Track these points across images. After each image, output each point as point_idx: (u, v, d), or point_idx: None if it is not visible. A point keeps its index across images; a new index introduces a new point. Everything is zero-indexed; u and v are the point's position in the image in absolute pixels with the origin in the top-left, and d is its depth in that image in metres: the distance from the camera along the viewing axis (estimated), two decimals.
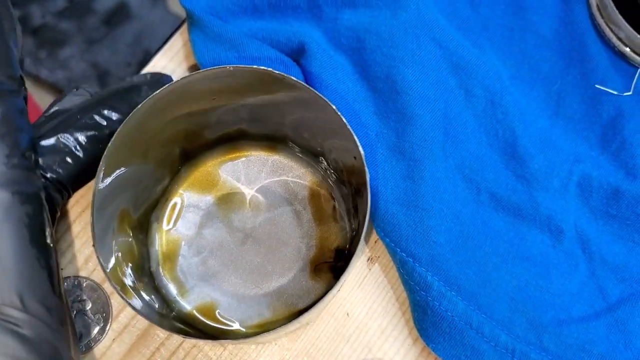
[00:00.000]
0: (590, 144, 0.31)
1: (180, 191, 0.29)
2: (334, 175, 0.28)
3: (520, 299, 0.28)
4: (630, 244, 0.30)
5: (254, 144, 0.30)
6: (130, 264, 0.25)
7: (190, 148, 0.28)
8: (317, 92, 0.24)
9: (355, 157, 0.24)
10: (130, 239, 0.26)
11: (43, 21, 1.04)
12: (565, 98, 0.32)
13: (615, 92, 0.31)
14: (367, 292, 0.28)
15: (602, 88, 0.31)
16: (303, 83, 0.24)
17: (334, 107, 0.24)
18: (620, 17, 0.31)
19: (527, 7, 0.33)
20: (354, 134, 0.23)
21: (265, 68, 0.24)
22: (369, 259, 0.29)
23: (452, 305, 0.27)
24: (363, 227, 0.22)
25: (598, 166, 0.30)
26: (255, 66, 0.24)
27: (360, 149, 0.24)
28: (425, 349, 0.27)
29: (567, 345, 0.27)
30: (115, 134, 0.23)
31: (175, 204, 0.29)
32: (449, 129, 0.29)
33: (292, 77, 0.24)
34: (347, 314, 0.28)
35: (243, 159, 0.30)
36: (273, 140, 0.29)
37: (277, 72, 0.24)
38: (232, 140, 0.29)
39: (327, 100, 0.24)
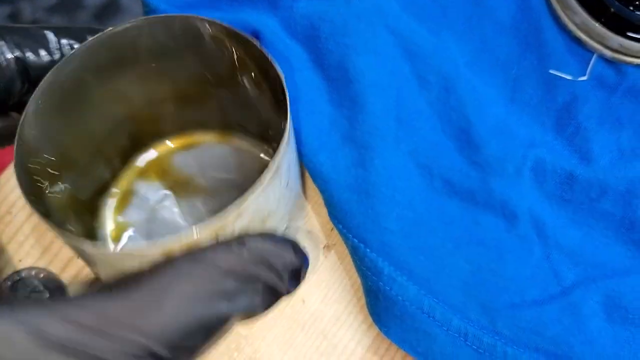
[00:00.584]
0: (545, 128, 0.31)
1: (132, 178, 0.29)
2: None
3: (474, 283, 0.28)
4: (586, 228, 0.30)
5: (206, 132, 0.30)
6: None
7: (140, 134, 0.29)
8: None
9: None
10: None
11: (34, 17, 1.05)
12: (521, 83, 0.32)
13: (570, 77, 0.31)
14: (323, 279, 0.29)
15: (556, 73, 0.31)
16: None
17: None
18: (575, 2, 0.32)
19: None
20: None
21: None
22: (325, 247, 0.29)
23: (403, 289, 0.27)
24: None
25: (552, 151, 0.30)
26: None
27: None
28: (380, 334, 0.28)
29: (520, 329, 0.28)
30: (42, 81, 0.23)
31: (126, 191, 0.29)
32: (402, 115, 0.29)
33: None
34: (303, 301, 0.28)
35: (196, 147, 0.30)
36: (223, 128, 0.30)
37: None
38: (184, 129, 0.29)
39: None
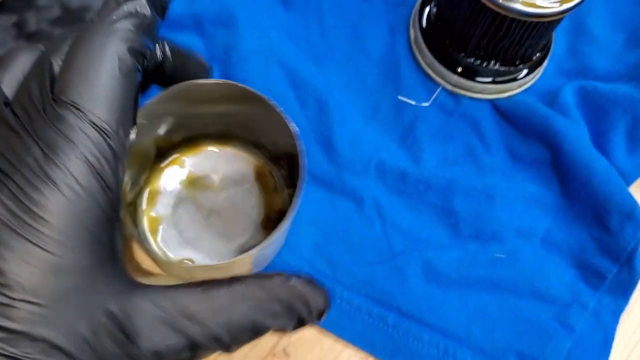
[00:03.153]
0: (393, 139, 0.44)
1: (158, 180, 0.40)
2: (273, 157, 0.40)
3: (324, 244, 0.41)
4: (415, 212, 0.42)
5: (210, 141, 0.41)
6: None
7: (164, 147, 0.39)
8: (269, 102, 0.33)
9: (290, 140, 0.33)
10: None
11: (38, 28, 1.18)
12: (381, 105, 0.45)
13: (414, 103, 0.44)
14: None
15: (403, 99, 0.44)
16: (264, 97, 0.33)
17: (279, 110, 0.33)
18: (425, 47, 0.44)
19: (364, 36, 0.47)
20: (292, 128, 0.33)
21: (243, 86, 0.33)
22: None
23: None
24: (297, 190, 0.32)
25: (393, 155, 0.43)
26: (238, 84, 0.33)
27: (297, 137, 0.33)
28: None
29: (356, 280, 0.40)
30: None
31: (153, 191, 0.40)
32: None
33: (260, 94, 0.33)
34: None
35: (203, 152, 0.41)
36: (225, 137, 0.41)
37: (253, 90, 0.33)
38: (192, 139, 0.40)
39: (274, 106, 0.33)
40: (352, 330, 0.40)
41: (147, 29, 0.24)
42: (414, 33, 0.46)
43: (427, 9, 0.45)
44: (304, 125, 0.43)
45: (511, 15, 0.37)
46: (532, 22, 0.37)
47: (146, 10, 0.24)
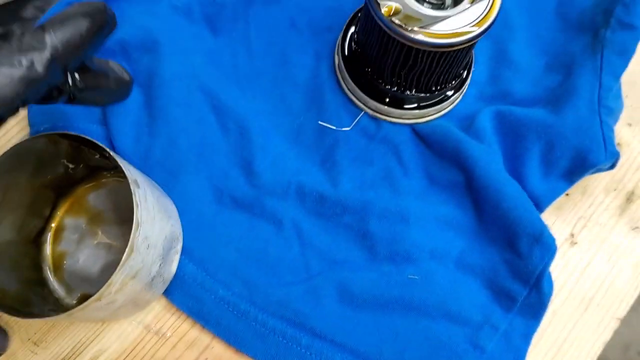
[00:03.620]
0: (314, 162, 0.45)
1: (60, 217, 0.43)
2: None
3: (241, 266, 0.42)
4: (333, 235, 0.44)
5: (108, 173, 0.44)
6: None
7: (60, 188, 0.42)
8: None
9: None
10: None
11: None
12: (304, 129, 0.46)
13: (334, 127, 0.45)
14: None
15: (323, 124, 0.45)
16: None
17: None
18: (347, 74, 0.46)
19: (290, 62, 0.48)
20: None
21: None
22: None
23: (184, 267, 0.41)
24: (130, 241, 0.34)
25: (312, 179, 0.44)
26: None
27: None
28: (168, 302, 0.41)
29: (272, 302, 0.41)
30: None
31: (58, 227, 0.43)
32: (204, 152, 0.44)
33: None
34: None
35: (103, 187, 0.43)
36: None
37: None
38: (91, 174, 0.43)
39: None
40: (266, 351, 0.41)
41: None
42: (337, 59, 0.47)
43: (349, 36, 0.46)
44: (224, 150, 0.44)
45: (416, 46, 0.38)
46: (437, 51, 0.38)
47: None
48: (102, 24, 0.31)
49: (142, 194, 0.34)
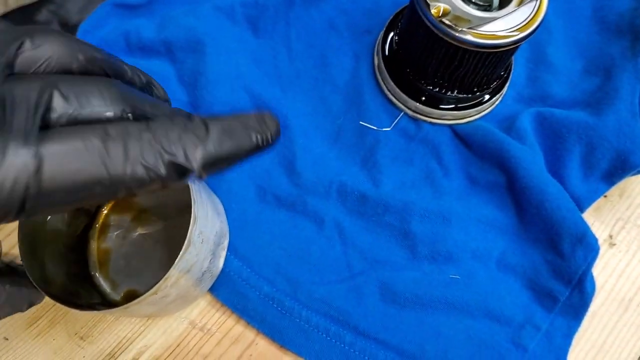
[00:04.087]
0: (355, 162, 0.45)
1: (105, 214, 0.43)
2: None
3: (284, 264, 0.42)
4: (374, 234, 0.44)
5: None
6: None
7: None
8: None
9: None
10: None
11: None
12: (344, 130, 0.46)
13: (375, 128, 0.45)
14: None
15: (365, 124, 0.45)
16: None
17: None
18: (387, 75, 0.46)
19: (330, 63, 0.48)
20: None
21: None
22: None
23: (229, 263, 0.41)
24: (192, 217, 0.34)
25: (354, 178, 0.44)
26: None
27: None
28: (213, 298, 0.42)
29: (315, 299, 0.42)
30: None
31: (103, 224, 0.43)
32: None
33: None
34: None
35: None
36: None
37: None
38: None
39: None
40: (309, 348, 0.41)
41: None
42: (377, 60, 0.47)
43: (389, 38, 0.47)
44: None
45: (463, 46, 0.38)
46: (484, 52, 0.39)
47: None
48: (265, 147, 0.25)
49: (197, 190, 0.35)
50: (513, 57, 0.47)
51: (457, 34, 0.38)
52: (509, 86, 0.47)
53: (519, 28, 0.38)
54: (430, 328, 0.41)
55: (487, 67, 0.41)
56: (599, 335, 0.43)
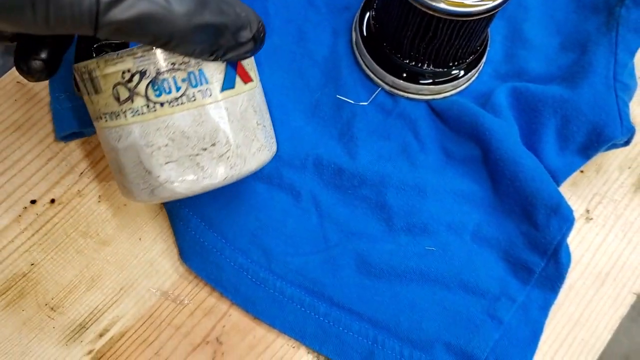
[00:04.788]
0: (332, 135, 0.45)
1: None
2: None
3: (260, 235, 0.42)
4: (350, 207, 0.44)
5: None
6: None
7: None
8: None
9: None
10: None
11: None
12: (321, 104, 0.46)
13: (352, 102, 0.45)
14: (161, 227, 0.42)
15: (342, 98, 0.45)
16: None
17: None
18: (365, 50, 0.46)
19: (308, 39, 0.48)
20: None
21: None
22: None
23: (204, 234, 0.41)
24: None
25: (330, 151, 0.44)
26: None
27: None
28: (187, 268, 0.41)
29: (290, 270, 0.42)
30: None
31: None
32: None
33: None
34: (140, 239, 0.42)
35: None
36: None
37: None
38: None
39: None
40: (283, 319, 0.41)
41: None
42: (355, 36, 0.47)
43: (367, 14, 0.47)
44: None
45: (437, 15, 0.38)
46: (458, 21, 0.39)
47: None
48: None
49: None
50: (489, 33, 0.47)
51: (430, 2, 0.38)
52: (485, 63, 0.47)
53: None
54: (405, 299, 0.41)
55: (461, 37, 0.41)
56: (576, 309, 0.43)
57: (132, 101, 0.31)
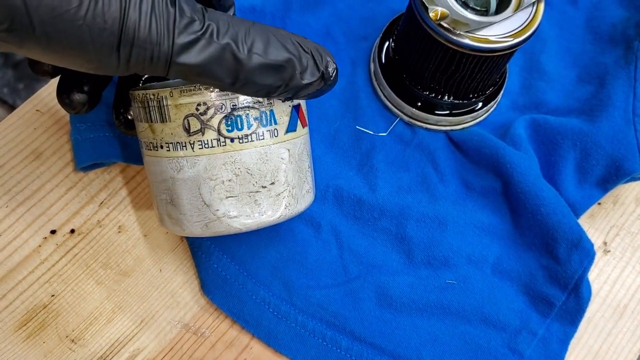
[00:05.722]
0: (350, 166, 0.45)
1: None
2: None
3: (281, 267, 0.42)
4: (370, 239, 0.43)
5: None
6: None
7: None
8: None
9: None
10: None
11: (22, 57, 1.21)
12: (340, 134, 0.46)
13: (371, 132, 0.45)
14: (181, 259, 0.42)
15: (361, 129, 0.45)
16: None
17: None
18: (384, 80, 0.46)
19: None
20: None
21: None
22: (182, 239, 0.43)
23: (226, 267, 0.41)
24: None
25: (350, 182, 0.44)
26: None
27: None
28: (209, 300, 0.41)
29: (311, 303, 0.41)
30: None
31: None
32: None
33: None
34: (160, 270, 0.42)
35: None
36: None
37: None
38: None
39: None
40: (305, 353, 0.40)
41: None
42: (373, 66, 0.47)
43: (386, 44, 0.47)
44: None
45: (461, 50, 0.38)
46: (481, 56, 0.39)
47: None
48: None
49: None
50: (507, 66, 0.47)
51: (454, 38, 0.38)
52: (503, 95, 0.47)
53: (515, 33, 0.38)
54: (427, 333, 0.41)
55: (483, 72, 0.41)
56: (595, 342, 0.43)
57: (203, 134, 0.31)
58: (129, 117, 0.35)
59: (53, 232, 0.42)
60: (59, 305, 0.41)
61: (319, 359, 0.40)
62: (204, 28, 0.26)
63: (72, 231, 0.43)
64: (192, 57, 0.26)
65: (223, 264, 0.41)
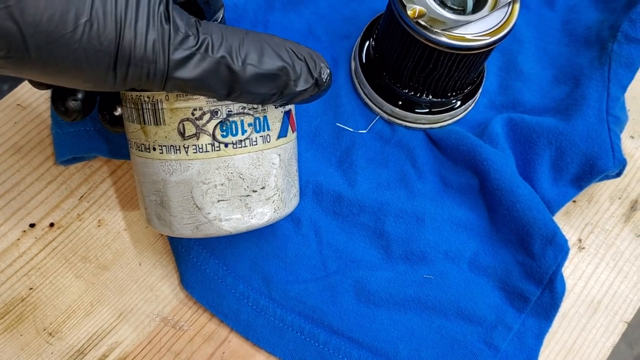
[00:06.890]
0: (330, 163, 0.45)
1: None
2: None
3: (260, 262, 0.42)
4: (349, 234, 0.44)
5: None
6: None
7: None
8: None
9: None
10: None
11: None
12: (320, 131, 0.46)
13: (351, 130, 0.46)
14: (161, 253, 0.42)
15: (341, 126, 0.46)
16: None
17: None
18: (364, 79, 0.46)
19: None
20: None
21: None
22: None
23: (205, 261, 0.41)
24: None
25: (330, 179, 0.44)
26: None
27: None
28: (187, 294, 0.41)
29: (289, 298, 0.41)
30: None
31: None
32: None
33: None
34: (139, 264, 0.42)
35: None
36: None
37: None
38: None
39: None
40: (284, 347, 0.41)
41: None
42: (354, 65, 0.48)
43: (367, 43, 0.47)
44: None
45: (438, 48, 0.39)
46: (459, 54, 0.40)
47: None
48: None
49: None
50: (485, 65, 0.48)
51: (432, 35, 0.38)
52: (481, 94, 0.48)
53: (492, 32, 0.39)
54: (404, 327, 0.41)
55: (460, 70, 0.41)
56: (569, 337, 0.43)
57: (198, 138, 0.31)
58: (115, 113, 0.35)
59: (32, 225, 0.42)
60: (37, 298, 0.41)
61: (297, 353, 0.40)
62: (199, 43, 0.26)
63: (52, 225, 0.42)
64: (187, 72, 0.26)
65: (202, 258, 0.41)
